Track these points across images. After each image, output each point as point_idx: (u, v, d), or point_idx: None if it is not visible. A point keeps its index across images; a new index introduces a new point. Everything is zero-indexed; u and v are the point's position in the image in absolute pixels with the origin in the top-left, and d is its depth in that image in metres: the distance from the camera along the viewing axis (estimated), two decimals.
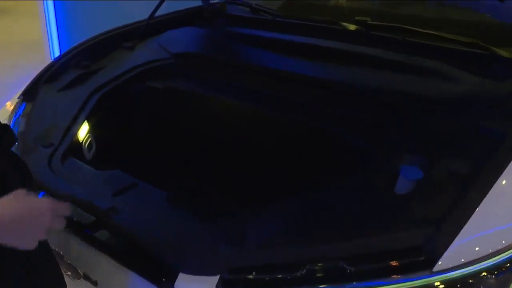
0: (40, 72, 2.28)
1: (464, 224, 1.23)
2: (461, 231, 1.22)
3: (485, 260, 1.20)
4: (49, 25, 5.59)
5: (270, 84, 2.07)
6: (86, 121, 2.01)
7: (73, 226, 1.48)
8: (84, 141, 1.98)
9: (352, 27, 2.30)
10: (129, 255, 1.43)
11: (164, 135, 2.35)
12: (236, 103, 2.07)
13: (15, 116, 2.14)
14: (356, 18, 2.32)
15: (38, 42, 5.99)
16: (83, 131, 1.98)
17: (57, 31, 5.65)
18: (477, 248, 1.23)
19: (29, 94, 2.21)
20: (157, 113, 2.33)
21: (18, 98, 2.24)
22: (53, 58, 5.96)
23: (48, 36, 5.67)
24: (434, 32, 2.08)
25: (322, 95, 1.95)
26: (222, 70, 2.21)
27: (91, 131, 2.04)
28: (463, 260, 1.20)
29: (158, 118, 2.34)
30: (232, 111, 2.10)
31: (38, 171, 1.70)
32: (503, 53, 1.94)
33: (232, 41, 2.48)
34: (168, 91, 2.24)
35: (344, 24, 2.32)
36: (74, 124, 1.97)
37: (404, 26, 2.18)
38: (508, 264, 1.21)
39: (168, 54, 2.38)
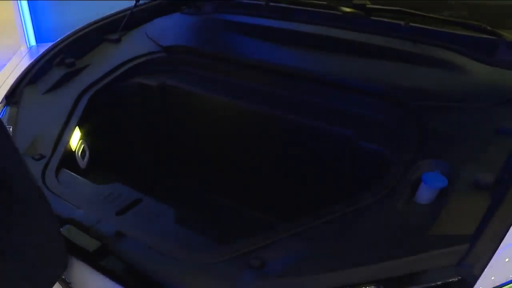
0: (21, 73, 2.13)
1: (501, 240, 1.16)
2: (499, 248, 1.16)
3: None
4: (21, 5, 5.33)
5: (266, 80, 1.97)
6: (77, 127, 1.88)
7: (79, 253, 1.38)
8: (78, 150, 1.86)
9: (349, 11, 2.18)
10: (138, 283, 1.34)
11: (162, 138, 2.25)
12: (235, 104, 1.96)
13: None
14: (354, 1, 2.19)
15: (10, 23, 5.74)
16: (75, 139, 1.86)
17: (30, 10, 5.40)
18: None
19: (11, 98, 2.07)
20: (154, 114, 2.21)
21: (0, 103, 2.10)
22: (26, 40, 5.80)
23: (20, 16, 5.42)
24: (440, 16, 1.98)
25: (322, 92, 1.86)
26: (216, 66, 2.09)
27: (84, 137, 1.92)
28: (502, 280, 1.14)
29: (155, 119, 2.22)
30: (232, 112, 2.00)
31: None
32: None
33: (223, 30, 2.35)
34: (164, 90, 2.12)
35: (342, 8, 2.19)
36: (65, 131, 1.84)
37: (407, 10, 2.07)
38: None
39: (157, 47, 2.25)
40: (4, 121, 1.98)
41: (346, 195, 1.76)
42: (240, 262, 1.26)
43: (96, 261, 1.37)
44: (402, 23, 2.03)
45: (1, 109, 2.07)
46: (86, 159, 1.91)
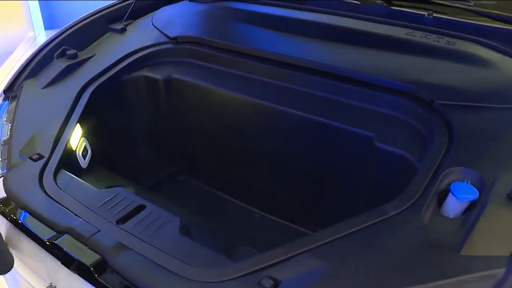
0: (21, 65, 2.01)
1: None
2: None
3: None
4: None
5: (280, 74, 1.85)
6: (78, 124, 1.77)
7: (77, 267, 1.28)
8: (79, 148, 1.75)
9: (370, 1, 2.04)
10: None
11: (168, 133, 2.13)
12: (246, 100, 1.84)
13: None
14: None
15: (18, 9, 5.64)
16: (76, 136, 1.75)
17: None
18: None
19: (9, 92, 1.96)
20: (159, 108, 2.09)
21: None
22: (33, 27, 5.69)
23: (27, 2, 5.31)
24: (468, 6, 1.83)
25: (339, 88, 1.74)
26: (226, 58, 1.96)
27: (86, 135, 1.81)
28: None
29: (161, 114, 2.11)
30: (242, 109, 1.88)
31: (27, 194, 1.49)
32: None
33: (234, 19, 2.21)
34: (170, 84, 2.00)
35: None
36: (66, 129, 1.73)
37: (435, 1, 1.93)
38: None
39: (164, 37, 2.12)
40: (2, 117, 1.88)
41: (365, 201, 1.67)
42: (250, 282, 1.14)
43: (95, 276, 1.27)
44: (425, 13, 1.88)
45: (1, 102, 1.97)
46: (88, 158, 1.81)
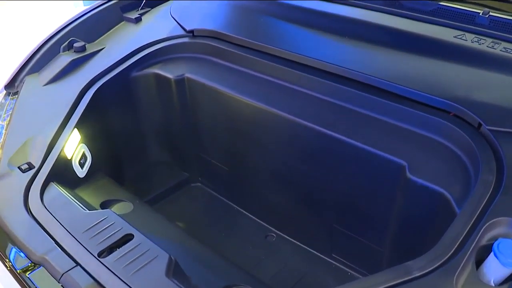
0: (24, 58, 1.85)
1: None
2: None
3: None
4: None
5: (304, 80, 1.62)
6: (76, 128, 1.60)
7: None
8: (75, 157, 1.59)
9: None
10: None
11: (181, 140, 1.93)
12: (263, 109, 1.61)
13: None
14: None
15: None
16: (73, 143, 1.58)
17: None
18: None
19: (11, 88, 1.81)
20: (170, 109, 1.90)
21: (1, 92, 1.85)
22: None
23: None
24: None
25: (369, 101, 1.50)
26: (246, 57, 1.74)
27: (85, 140, 1.64)
28: None
29: (171, 116, 1.91)
30: (258, 117, 1.66)
31: (9, 212, 1.34)
32: None
33: (259, 12, 1.97)
34: (182, 84, 1.80)
35: None
36: (62, 134, 1.56)
37: None
38: None
39: (181, 30, 1.91)
40: (0, 116, 1.73)
41: (392, 237, 1.44)
42: None
43: None
44: (479, 11, 1.59)
45: (2, 99, 1.82)
46: (86, 166, 1.64)
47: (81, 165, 1.62)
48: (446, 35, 1.59)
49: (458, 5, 1.65)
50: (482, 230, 1.04)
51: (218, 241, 1.84)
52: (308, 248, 1.77)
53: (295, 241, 1.81)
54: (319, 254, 1.74)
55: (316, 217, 1.71)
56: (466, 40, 1.55)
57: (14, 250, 1.27)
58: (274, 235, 1.85)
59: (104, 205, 1.54)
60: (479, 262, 1.02)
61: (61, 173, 1.50)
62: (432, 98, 1.39)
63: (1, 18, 5.94)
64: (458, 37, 1.56)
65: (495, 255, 0.98)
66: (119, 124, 1.86)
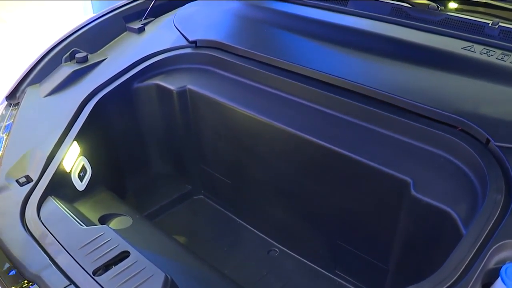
0: (26, 69, 1.83)
1: None
2: None
3: None
4: None
5: (309, 92, 1.58)
6: (76, 141, 1.57)
7: None
8: (74, 170, 1.56)
9: (422, 2, 1.70)
10: None
11: (184, 152, 1.90)
12: (265, 122, 1.58)
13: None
14: None
15: None
16: (72, 156, 1.55)
17: None
18: None
19: (12, 99, 1.79)
20: (171, 122, 1.86)
21: (1, 103, 1.84)
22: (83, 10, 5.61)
23: None
24: None
25: (375, 115, 1.45)
26: (250, 69, 1.70)
27: (85, 153, 1.62)
28: None
29: (173, 128, 1.88)
30: (260, 130, 1.62)
31: (5, 227, 1.32)
32: None
33: (264, 22, 1.94)
34: (184, 95, 1.78)
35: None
36: (61, 147, 1.54)
37: (497, 3, 1.59)
38: None
39: (184, 41, 1.89)
40: (1, 127, 1.71)
41: (397, 254, 1.40)
42: None
43: None
44: (489, 22, 1.54)
45: (3, 110, 1.80)
46: (86, 179, 1.61)
47: (81, 178, 1.59)
48: (454, 46, 1.54)
49: (466, 15, 1.61)
50: (489, 253, 0.99)
51: (220, 255, 1.81)
52: (312, 264, 1.73)
53: (298, 257, 1.77)
54: (322, 270, 1.70)
55: (320, 233, 1.67)
56: (475, 52, 1.50)
57: (8, 266, 1.25)
58: (277, 250, 1.81)
59: (103, 220, 1.51)
60: (486, 286, 0.97)
61: (60, 186, 1.48)
62: (438, 112, 1.34)
63: (11, 26, 5.98)
64: (466, 48, 1.52)
65: (502, 280, 0.93)
66: (121, 136, 1.84)
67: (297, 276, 1.71)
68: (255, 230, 1.88)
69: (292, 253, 1.78)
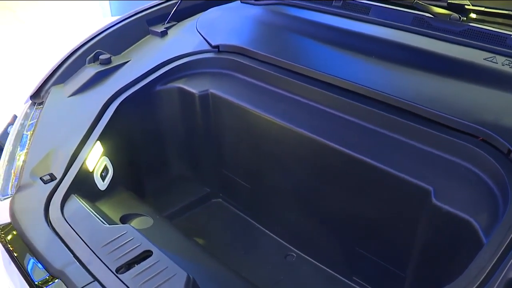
0: (50, 69, 1.87)
1: None
2: None
3: None
4: None
5: (331, 99, 1.59)
6: (99, 141, 1.60)
7: None
8: (97, 170, 1.58)
9: (443, 13, 1.71)
10: None
11: (204, 155, 1.92)
12: (287, 128, 1.59)
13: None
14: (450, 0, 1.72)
15: None
16: (95, 156, 1.58)
17: None
18: None
19: (36, 98, 1.82)
20: (193, 125, 1.89)
21: (25, 102, 1.87)
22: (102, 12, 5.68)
23: None
24: None
25: (397, 124, 1.46)
26: (272, 75, 1.72)
27: (107, 153, 1.64)
28: None
29: (194, 131, 1.90)
30: (281, 135, 1.64)
31: (30, 223, 1.33)
32: None
33: (287, 29, 1.96)
34: (206, 99, 1.80)
35: (433, 8, 1.73)
36: (84, 146, 1.57)
37: None
38: None
39: (206, 45, 1.91)
40: (25, 125, 1.74)
41: (416, 262, 1.40)
42: None
43: None
44: (511, 33, 1.55)
45: (28, 109, 1.83)
46: (108, 179, 1.64)
47: (103, 177, 1.61)
48: (476, 57, 1.55)
49: (488, 26, 1.62)
50: (510, 262, 1.00)
51: (237, 259, 1.82)
52: (329, 270, 1.73)
53: (315, 262, 1.77)
54: (339, 276, 1.71)
55: (338, 239, 1.68)
56: (497, 63, 1.51)
57: (32, 261, 1.27)
58: (294, 255, 1.82)
59: (124, 219, 1.53)
60: None
61: (83, 185, 1.50)
62: (460, 122, 1.35)
63: (29, 26, 6.04)
64: (489, 59, 1.53)
65: None
66: (142, 138, 1.86)
67: (313, 282, 1.72)
68: (272, 235, 1.89)
69: (309, 258, 1.79)
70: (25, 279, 1.25)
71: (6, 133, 3.44)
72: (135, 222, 1.54)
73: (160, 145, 1.94)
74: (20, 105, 1.87)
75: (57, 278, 1.20)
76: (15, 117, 3.54)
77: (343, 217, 1.61)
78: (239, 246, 1.87)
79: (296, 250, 1.83)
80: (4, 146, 3.33)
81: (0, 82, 4.69)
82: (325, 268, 1.75)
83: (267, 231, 1.91)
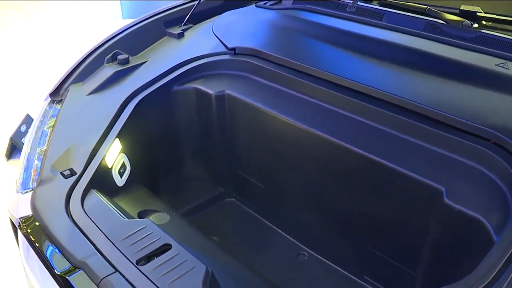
0: (69, 68, 1.91)
1: None
2: None
3: None
4: None
5: (346, 102, 1.63)
6: (118, 138, 1.63)
7: None
8: (115, 166, 1.62)
9: (455, 19, 1.75)
10: None
11: (218, 155, 1.96)
12: (302, 129, 1.63)
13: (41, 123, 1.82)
14: (462, 7, 1.76)
15: None
16: (114, 152, 1.62)
17: None
18: None
19: (56, 96, 1.87)
20: (209, 125, 1.93)
21: (45, 100, 1.91)
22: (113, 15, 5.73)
23: None
24: None
25: (411, 126, 1.50)
26: (288, 77, 1.76)
27: (125, 150, 1.68)
28: None
29: (210, 131, 1.94)
30: (297, 136, 1.67)
31: (51, 216, 1.37)
32: None
33: (301, 33, 2.00)
34: (223, 100, 1.84)
35: (445, 15, 1.77)
36: (103, 143, 1.61)
37: None
38: None
39: (223, 47, 1.95)
40: (45, 122, 1.79)
41: (427, 261, 1.43)
42: None
43: None
44: None
45: (47, 106, 1.88)
46: (125, 175, 1.67)
47: (121, 174, 1.65)
48: (488, 63, 1.59)
49: (500, 33, 1.66)
50: None
51: (250, 257, 1.85)
52: (340, 269, 1.76)
53: (327, 261, 1.80)
54: (350, 275, 1.74)
55: (349, 238, 1.71)
56: (508, 69, 1.55)
57: (54, 252, 1.30)
58: (306, 254, 1.85)
59: (142, 215, 1.57)
60: None
61: (101, 181, 1.53)
62: (471, 125, 1.38)
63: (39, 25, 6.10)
64: (500, 65, 1.57)
65: None
66: (158, 136, 1.90)
67: (325, 280, 1.75)
68: (285, 234, 1.92)
69: (321, 258, 1.82)
70: (47, 269, 1.29)
71: (19, 131, 3.51)
72: (152, 218, 1.57)
73: (176, 144, 1.98)
74: (32, 105, 1.91)
75: (79, 269, 1.23)
76: (27, 116, 3.61)
77: (355, 216, 1.64)
78: (252, 245, 1.90)
79: (308, 250, 1.86)
80: (17, 144, 3.39)
81: (12, 82, 4.74)
82: (336, 267, 1.78)
83: (279, 230, 1.94)
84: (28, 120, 3.60)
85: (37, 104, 3.74)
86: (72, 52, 4.88)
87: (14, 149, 3.57)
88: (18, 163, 1.70)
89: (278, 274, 1.79)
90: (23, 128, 3.53)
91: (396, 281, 1.62)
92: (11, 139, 3.49)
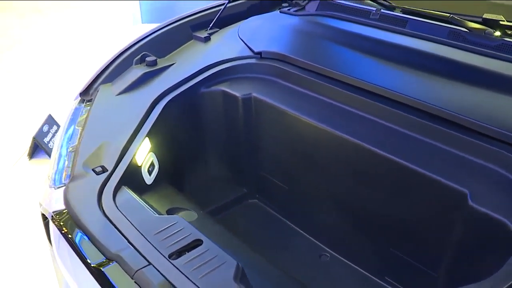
0: (99, 68, 1.96)
1: None
2: None
3: None
4: None
5: (370, 106, 1.67)
6: (147, 137, 1.68)
7: None
8: (145, 164, 1.66)
9: (478, 28, 1.78)
10: None
11: (242, 156, 2.00)
12: (327, 131, 1.67)
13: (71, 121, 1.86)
14: (485, 15, 1.79)
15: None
16: (143, 151, 1.66)
17: None
18: None
19: (86, 95, 1.92)
20: (235, 126, 1.97)
21: (75, 99, 1.96)
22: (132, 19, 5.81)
23: None
24: None
25: (435, 131, 1.53)
26: (312, 81, 1.80)
27: (154, 149, 1.72)
28: None
29: (236, 133, 1.99)
30: (322, 139, 1.71)
31: (84, 210, 1.41)
32: None
33: (325, 38, 2.04)
34: (249, 102, 1.89)
35: (468, 23, 1.80)
36: (133, 142, 1.65)
37: None
38: None
39: (249, 51, 2.00)
40: (75, 120, 1.84)
41: (449, 264, 1.46)
42: None
43: None
44: None
45: (77, 105, 1.93)
46: (154, 174, 1.72)
47: (149, 172, 1.70)
48: (510, 70, 1.62)
49: None
50: None
51: (272, 257, 1.88)
52: (362, 270, 1.79)
53: (349, 262, 1.83)
54: (372, 277, 1.77)
55: (372, 240, 1.74)
56: None
57: (88, 245, 1.34)
58: (328, 255, 1.88)
59: (170, 212, 1.61)
60: None
61: (131, 178, 1.57)
62: (496, 130, 1.41)
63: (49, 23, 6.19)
64: None
65: None
66: (185, 137, 1.95)
67: (347, 281, 1.78)
68: (307, 235, 1.95)
69: (342, 259, 1.85)
70: (82, 261, 1.33)
71: (41, 131, 3.58)
72: (180, 215, 1.61)
73: (202, 144, 2.02)
74: (53, 106, 1.96)
75: (113, 261, 1.27)
76: (49, 116, 3.68)
77: (378, 218, 1.67)
78: (274, 245, 1.93)
79: (330, 251, 1.89)
80: (40, 143, 3.46)
81: (33, 84, 4.82)
82: (358, 268, 1.81)
83: (301, 231, 1.97)
84: (50, 121, 3.68)
85: (58, 105, 3.82)
86: (91, 55, 4.96)
87: (36, 148, 3.65)
88: (50, 160, 1.75)
89: (300, 274, 1.81)
90: (45, 128, 3.62)
91: (417, 282, 1.65)
92: (34, 138, 3.57)
